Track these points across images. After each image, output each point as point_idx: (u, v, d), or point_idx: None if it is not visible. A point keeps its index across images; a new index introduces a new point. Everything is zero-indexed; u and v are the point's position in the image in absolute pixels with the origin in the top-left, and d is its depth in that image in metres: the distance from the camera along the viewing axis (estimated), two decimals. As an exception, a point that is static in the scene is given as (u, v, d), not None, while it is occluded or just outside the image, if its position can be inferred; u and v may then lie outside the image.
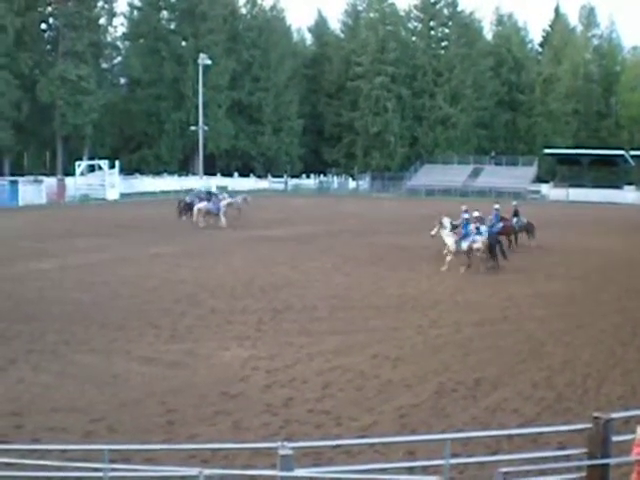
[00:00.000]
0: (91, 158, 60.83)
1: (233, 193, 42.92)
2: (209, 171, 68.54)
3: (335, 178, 76.70)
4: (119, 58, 73.95)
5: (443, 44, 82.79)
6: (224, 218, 33.70)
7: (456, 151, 77.17)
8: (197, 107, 66.55)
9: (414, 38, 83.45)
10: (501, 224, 27.40)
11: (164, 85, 70.26)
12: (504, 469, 6.50)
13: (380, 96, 77.69)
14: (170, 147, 71.29)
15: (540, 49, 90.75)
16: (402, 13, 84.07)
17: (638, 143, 76.46)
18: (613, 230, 37.67)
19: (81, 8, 62.82)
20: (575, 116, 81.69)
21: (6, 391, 10.64)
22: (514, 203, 30.48)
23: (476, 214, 24.45)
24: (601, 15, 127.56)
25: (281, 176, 73.97)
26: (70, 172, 56.63)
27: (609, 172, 74.32)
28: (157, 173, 64.98)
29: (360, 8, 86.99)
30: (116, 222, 36.39)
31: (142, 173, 63.98)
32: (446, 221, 23.34)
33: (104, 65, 72.20)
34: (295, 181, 75.67)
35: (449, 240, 22.68)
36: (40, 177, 52.43)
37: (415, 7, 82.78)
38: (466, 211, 24.64)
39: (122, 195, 55.30)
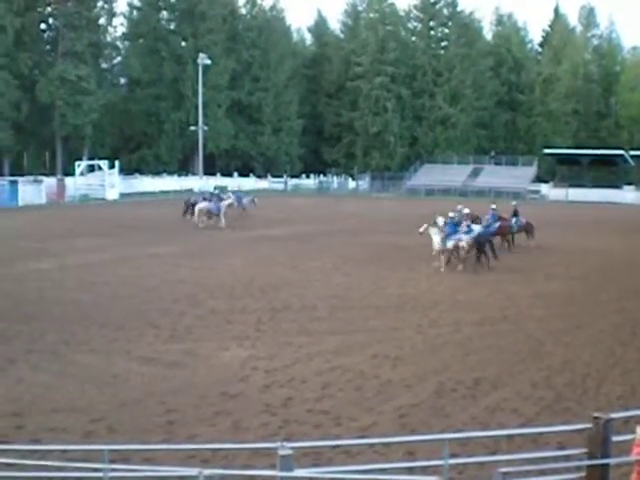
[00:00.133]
0: (91, 158, 60.77)
1: (241, 192, 42.56)
2: (209, 171, 68.47)
3: (335, 178, 76.58)
4: (119, 58, 73.82)
5: (443, 44, 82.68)
6: (224, 219, 33.74)
7: (456, 151, 77.11)
8: (197, 107, 66.51)
9: (414, 38, 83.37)
10: (498, 224, 27.38)
11: (164, 85, 70.22)
12: (503, 469, 6.51)
13: (380, 96, 77.64)
14: (170, 147, 71.22)
15: (540, 49, 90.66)
16: (402, 13, 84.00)
17: (638, 143, 76.41)
18: (613, 230, 37.63)
19: (81, 8, 62.72)
20: (575, 116, 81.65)
21: (6, 391, 10.65)
22: (513, 203, 30.43)
23: (466, 211, 24.69)
24: (601, 15, 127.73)
25: (281, 176, 73.90)
26: (70, 172, 56.56)
27: (609, 172, 74.25)
28: (157, 173, 64.91)
29: (360, 8, 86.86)
30: (116, 222, 36.37)
31: (142, 173, 63.90)
32: (440, 221, 23.43)
33: (104, 65, 72.09)
34: (295, 181, 75.57)
35: (436, 238, 22.87)
36: (40, 177, 52.35)
37: (415, 7, 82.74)
38: (459, 210, 24.79)
39: (122, 195, 55.25)
